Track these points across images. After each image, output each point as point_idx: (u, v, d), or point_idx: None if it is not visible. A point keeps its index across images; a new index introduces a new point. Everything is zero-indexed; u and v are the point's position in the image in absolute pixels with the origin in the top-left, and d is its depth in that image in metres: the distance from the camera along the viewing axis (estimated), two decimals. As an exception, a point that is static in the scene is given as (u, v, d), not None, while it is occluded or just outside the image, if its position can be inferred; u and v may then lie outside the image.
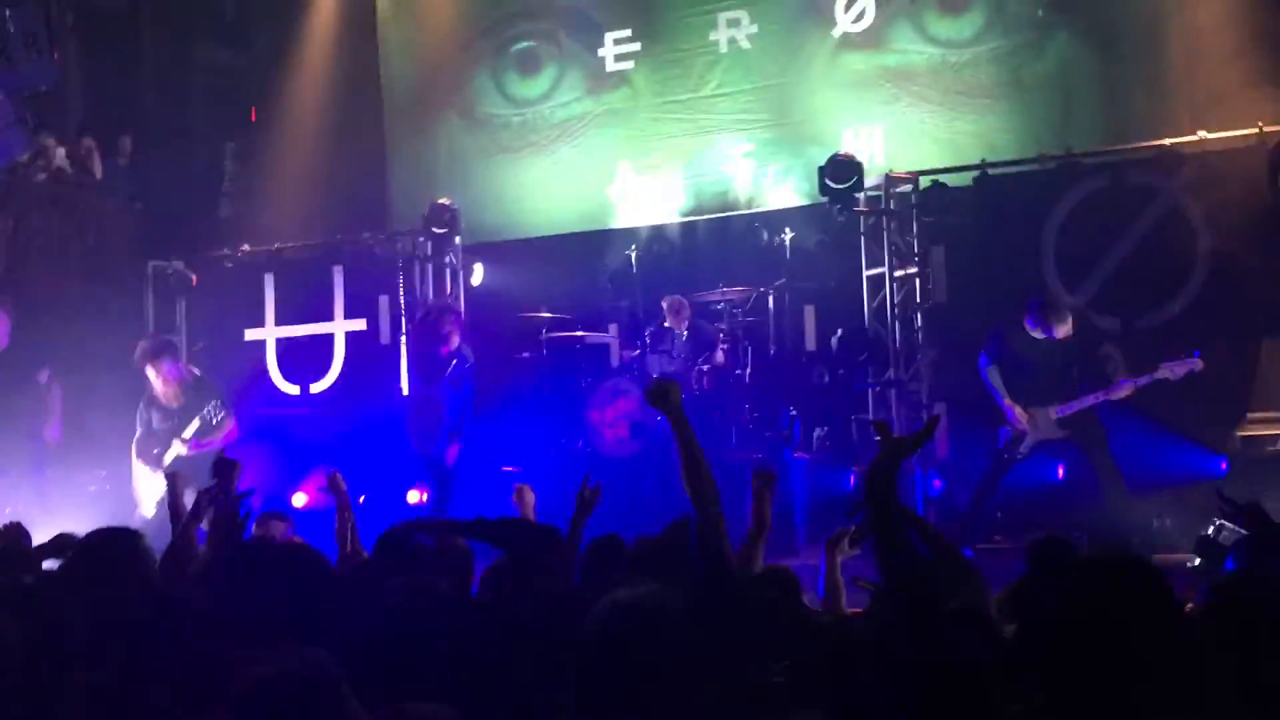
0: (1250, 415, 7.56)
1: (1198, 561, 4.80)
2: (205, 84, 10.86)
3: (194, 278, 9.60)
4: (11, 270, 8.53)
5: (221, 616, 2.71)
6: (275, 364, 9.93)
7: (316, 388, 9.88)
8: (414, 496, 8.21)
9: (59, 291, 8.78)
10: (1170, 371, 6.79)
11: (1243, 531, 4.27)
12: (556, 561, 3.37)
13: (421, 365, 8.45)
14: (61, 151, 9.17)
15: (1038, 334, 7.08)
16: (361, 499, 7.62)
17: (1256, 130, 7.50)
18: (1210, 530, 4.82)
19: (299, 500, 8.43)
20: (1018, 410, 7.10)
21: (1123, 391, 6.92)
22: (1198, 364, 6.77)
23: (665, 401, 3.12)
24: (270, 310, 9.94)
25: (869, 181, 8.38)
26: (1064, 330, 7.03)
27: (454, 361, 8.06)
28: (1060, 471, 7.42)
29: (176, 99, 10.88)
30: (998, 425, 7.27)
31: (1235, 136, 7.62)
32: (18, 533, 4.16)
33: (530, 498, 5.08)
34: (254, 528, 4.98)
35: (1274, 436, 7.41)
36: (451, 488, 8.00)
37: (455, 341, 8.06)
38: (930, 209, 8.17)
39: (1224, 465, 7.20)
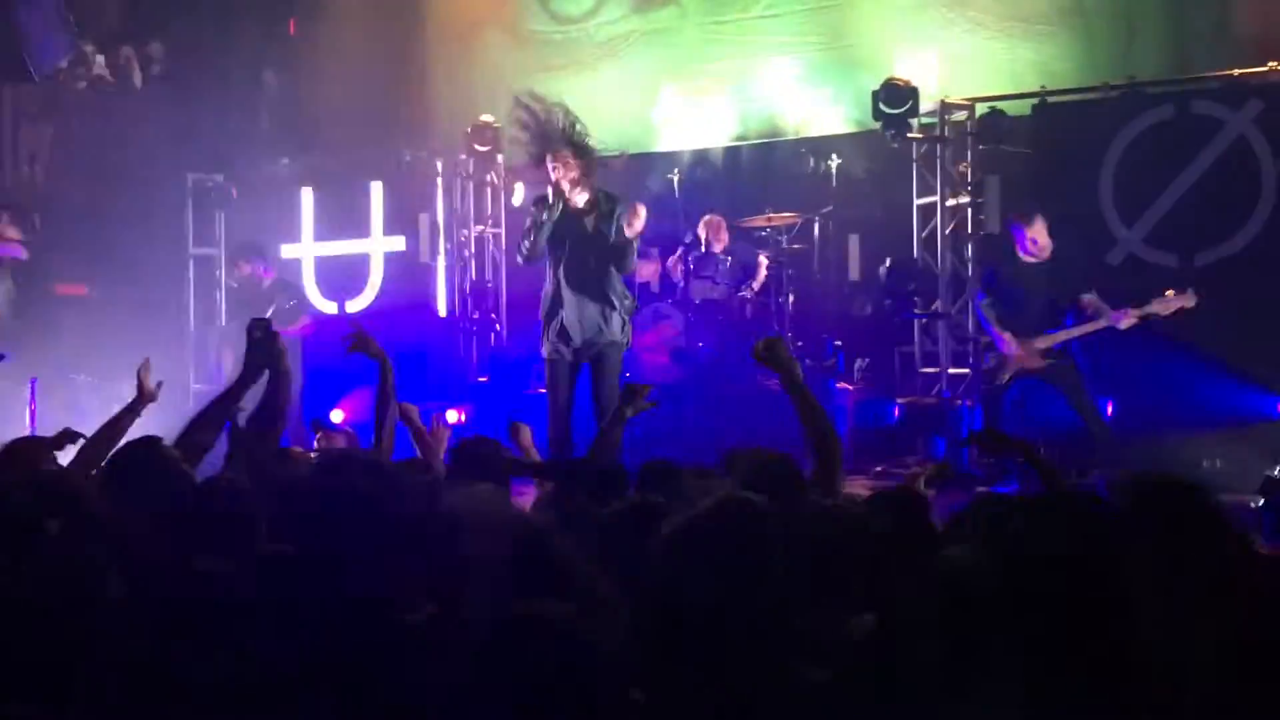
0: (1308, 357, 7.37)
1: (1262, 502, 4.68)
2: (244, -6, 10.67)
3: (234, 191, 9.52)
4: (51, 178, 8.46)
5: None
6: (313, 280, 9.88)
7: (353, 306, 9.82)
8: (453, 416, 8.15)
9: (98, 201, 8.71)
10: (1162, 306, 6.63)
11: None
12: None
13: None
14: (101, 59, 9.04)
15: (1028, 257, 6.98)
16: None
17: (1331, 61, 7.23)
18: (1278, 471, 4.69)
19: (337, 416, 8.40)
20: (1007, 336, 6.96)
21: (1125, 319, 6.69)
22: (1190, 299, 6.58)
23: (776, 360, 3.41)
24: (308, 226, 9.85)
25: (923, 108, 8.17)
26: (1039, 234, 6.88)
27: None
28: (1110, 408, 7.26)
29: (215, 8, 10.68)
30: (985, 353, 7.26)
31: (1308, 68, 7.34)
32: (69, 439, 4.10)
33: (527, 435, 4.70)
34: (315, 442, 4.92)
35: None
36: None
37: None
38: (987, 137, 7.96)
39: (1279, 406, 7.04)
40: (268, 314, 7.56)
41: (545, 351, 6.18)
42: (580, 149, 5.99)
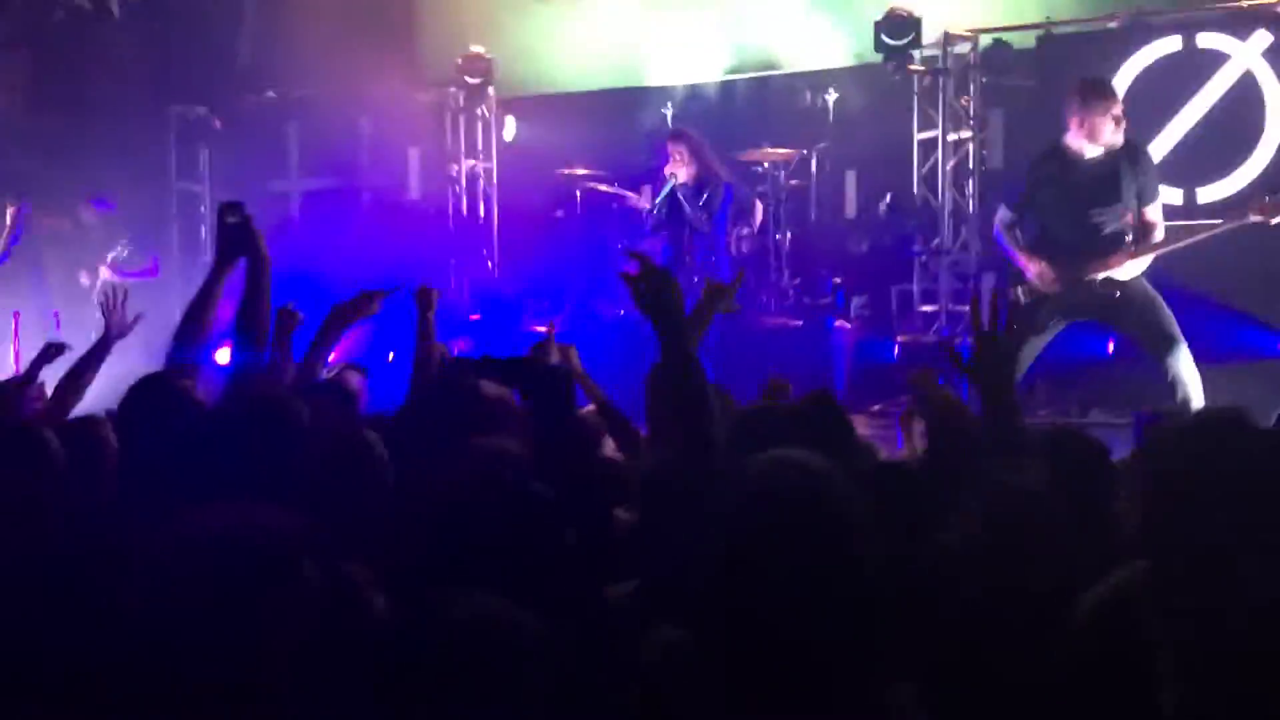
0: (1310, 294, 7.35)
1: None
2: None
3: (218, 123, 9.28)
4: (30, 110, 8.21)
5: None
6: (299, 216, 9.70)
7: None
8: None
9: (79, 133, 8.47)
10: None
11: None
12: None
13: None
14: (77, -15, 8.72)
15: (1084, 145, 5.60)
16: (391, 356, 7.49)
17: (1343, -8, 7.13)
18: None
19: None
20: (1035, 265, 5.64)
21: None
22: None
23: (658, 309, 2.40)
24: (295, 161, 9.65)
25: (924, 40, 8.03)
26: (1112, 122, 5.60)
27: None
28: (1110, 346, 7.22)
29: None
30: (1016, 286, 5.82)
31: (1319, -1, 7.24)
32: None
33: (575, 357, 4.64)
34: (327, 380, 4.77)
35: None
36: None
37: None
38: (990, 70, 7.83)
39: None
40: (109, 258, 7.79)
41: None
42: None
